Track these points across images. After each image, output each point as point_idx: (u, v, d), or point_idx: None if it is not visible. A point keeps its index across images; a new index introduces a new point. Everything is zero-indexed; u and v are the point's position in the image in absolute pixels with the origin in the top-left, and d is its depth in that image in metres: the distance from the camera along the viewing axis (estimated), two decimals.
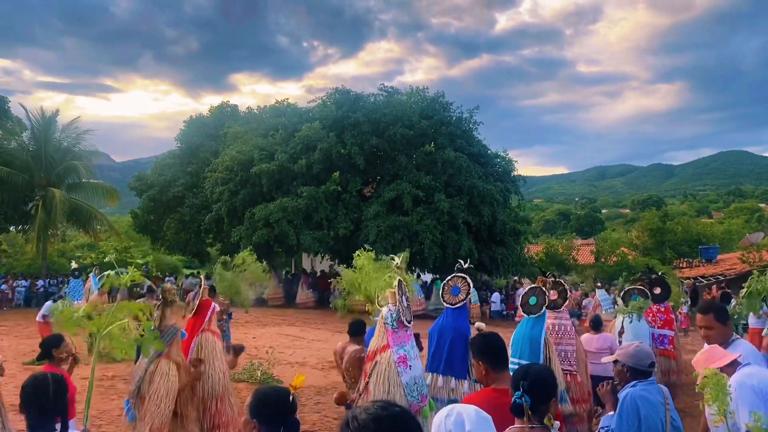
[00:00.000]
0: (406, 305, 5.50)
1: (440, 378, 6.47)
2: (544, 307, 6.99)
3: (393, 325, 5.36)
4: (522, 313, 7.10)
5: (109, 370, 10.58)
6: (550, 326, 7.54)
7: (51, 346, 5.06)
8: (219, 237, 29.52)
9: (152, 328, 4.15)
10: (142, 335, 4.04)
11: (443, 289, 6.78)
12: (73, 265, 17.60)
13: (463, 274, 6.80)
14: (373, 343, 5.46)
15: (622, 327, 9.21)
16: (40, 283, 26.54)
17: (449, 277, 6.88)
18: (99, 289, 12.31)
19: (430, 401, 5.47)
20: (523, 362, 6.54)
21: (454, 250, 23.04)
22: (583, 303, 20.60)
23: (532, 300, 7.06)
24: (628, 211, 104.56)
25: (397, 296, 5.43)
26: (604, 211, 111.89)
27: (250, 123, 29.21)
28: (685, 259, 39.04)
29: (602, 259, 35.56)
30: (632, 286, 10.48)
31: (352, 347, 6.31)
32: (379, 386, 5.16)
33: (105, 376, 10.26)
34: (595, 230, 72.79)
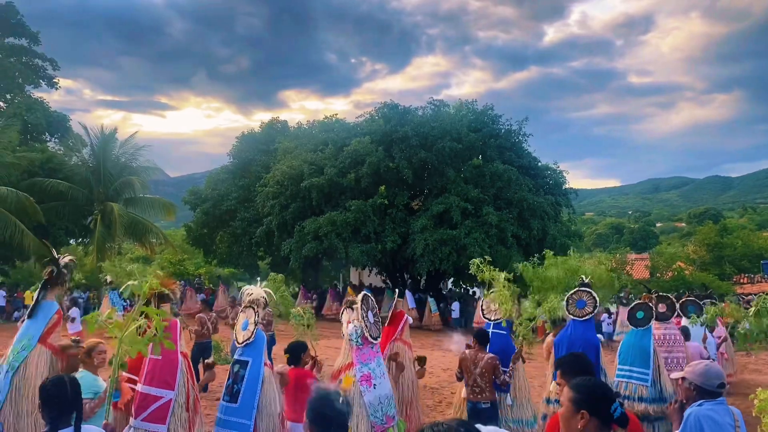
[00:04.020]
0: (372, 321, 5.37)
1: None
2: (651, 321, 7.82)
3: (358, 341, 5.25)
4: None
5: None
6: (660, 336, 8.50)
7: (300, 351, 5.68)
8: (269, 250, 29.93)
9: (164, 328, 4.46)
10: (155, 334, 4.25)
11: (567, 302, 7.03)
12: (108, 279, 18.46)
13: (587, 289, 7.14)
14: (338, 361, 5.38)
15: (705, 334, 10.41)
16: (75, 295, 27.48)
17: (572, 291, 7.16)
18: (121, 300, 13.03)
19: (399, 422, 5.29)
20: (635, 369, 7.54)
21: (503, 264, 22.68)
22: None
23: (640, 314, 7.85)
24: (683, 224, 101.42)
25: (360, 312, 5.31)
26: (658, 224, 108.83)
27: (299, 138, 29.64)
28: (746, 275, 37.63)
29: (657, 275, 34.55)
30: (687, 298, 11.72)
31: (485, 354, 6.52)
32: None
33: None
34: (649, 244, 70.88)
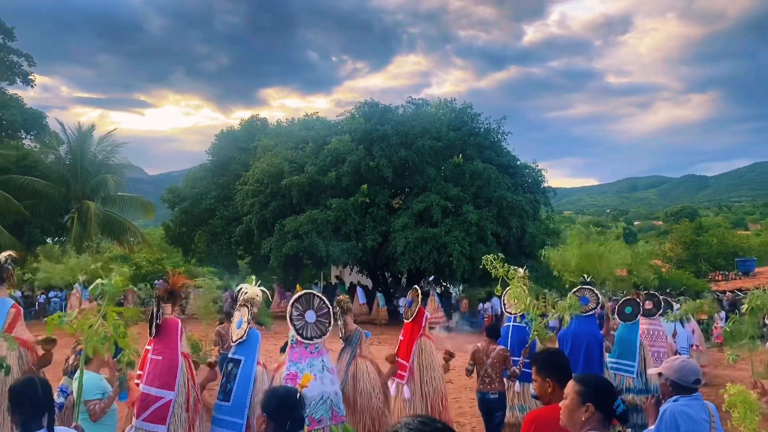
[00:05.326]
0: (312, 321, 5.29)
1: None
2: (638, 316, 8.41)
3: (293, 340, 5.22)
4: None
5: None
6: (646, 331, 8.95)
7: None
8: (249, 249, 29.76)
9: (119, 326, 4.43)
10: (107, 333, 4.24)
11: (570, 298, 7.29)
12: (81, 277, 18.32)
13: (589, 286, 7.56)
14: (282, 357, 5.41)
15: (675, 330, 10.96)
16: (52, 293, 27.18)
17: (576, 289, 7.54)
18: (88, 297, 13.09)
19: (344, 426, 5.23)
20: (622, 361, 8.07)
21: (483, 262, 22.81)
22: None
23: (628, 309, 8.45)
24: (660, 223, 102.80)
25: (293, 312, 5.26)
26: (636, 223, 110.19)
27: (279, 136, 29.45)
28: (721, 272, 38.23)
29: (634, 272, 34.90)
30: (663, 297, 11.89)
31: (496, 346, 6.94)
32: None
33: None
34: (627, 242, 71.49)
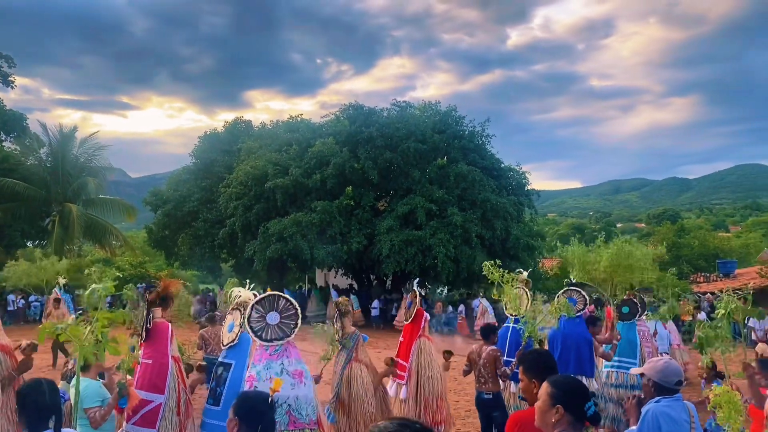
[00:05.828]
0: (274, 322, 5.17)
1: None
2: (636, 316, 8.76)
3: (258, 342, 5.15)
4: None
5: None
6: None
7: None
8: (233, 252, 29.57)
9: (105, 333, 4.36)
10: (99, 340, 4.20)
11: (558, 300, 7.40)
12: (62, 281, 18.15)
13: (577, 288, 7.73)
14: None
15: (656, 330, 11.29)
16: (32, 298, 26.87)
17: (563, 290, 7.74)
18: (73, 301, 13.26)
19: None
20: (624, 359, 8.35)
21: (467, 264, 22.92)
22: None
23: (625, 309, 8.77)
24: (643, 225, 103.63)
25: (252, 314, 5.17)
26: (618, 225, 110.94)
27: (264, 138, 29.30)
28: (702, 274, 38.57)
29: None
30: (650, 299, 12.63)
31: (488, 347, 7.01)
32: None
33: None
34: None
